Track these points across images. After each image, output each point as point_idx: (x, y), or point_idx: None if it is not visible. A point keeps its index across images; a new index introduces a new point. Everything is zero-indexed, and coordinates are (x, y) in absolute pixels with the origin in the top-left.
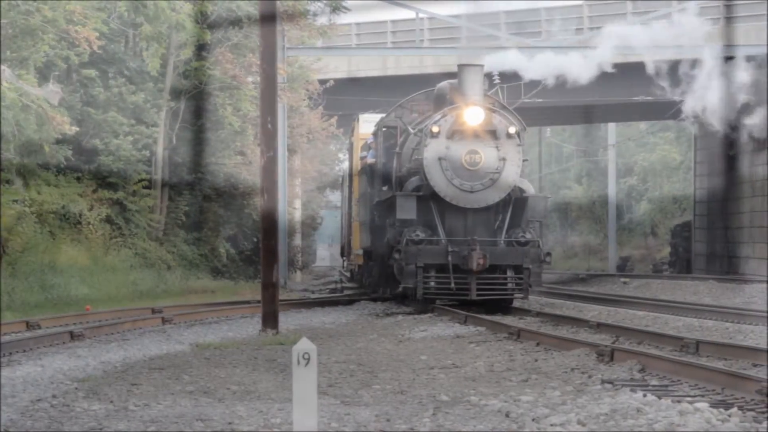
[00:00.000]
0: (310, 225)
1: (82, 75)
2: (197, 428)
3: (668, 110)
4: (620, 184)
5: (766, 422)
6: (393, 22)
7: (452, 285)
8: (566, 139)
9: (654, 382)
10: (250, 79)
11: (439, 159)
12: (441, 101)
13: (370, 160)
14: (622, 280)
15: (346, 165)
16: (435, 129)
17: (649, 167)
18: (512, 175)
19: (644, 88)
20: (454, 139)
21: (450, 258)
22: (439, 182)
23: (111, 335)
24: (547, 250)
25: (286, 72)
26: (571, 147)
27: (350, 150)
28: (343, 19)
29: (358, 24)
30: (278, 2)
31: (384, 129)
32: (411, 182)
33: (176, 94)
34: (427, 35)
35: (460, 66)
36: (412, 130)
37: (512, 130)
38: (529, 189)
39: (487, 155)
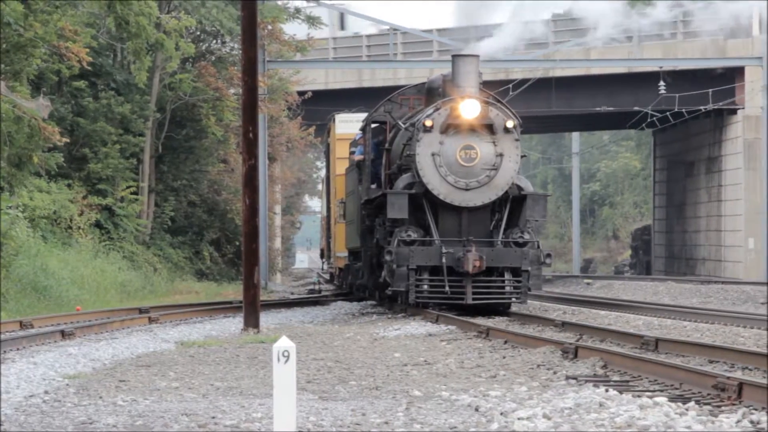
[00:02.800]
0: (290, 229)
1: (72, 87)
2: (182, 422)
3: (630, 120)
4: (584, 190)
5: (721, 415)
6: (368, 36)
7: (446, 288)
8: (533, 147)
9: (616, 377)
10: (232, 90)
11: (433, 155)
12: (433, 95)
13: (358, 156)
14: (586, 281)
15: (323, 172)
16: (428, 123)
17: (611, 174)
18: (510, 171)
19: (607, 99)
20: (448, 133)
21: (444, 260)
22: (432, 179)
23: (100, 334)
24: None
25: (267, 84)
26: (537, 154)
27: (327, 152)
28: (321, 33)
29: (334, 38)
30: (259, 19)
31: (373, 124)
32: (402, 179)
33: (162, 105)
34: (400, 49)
35: (454, 56)
36: (402, 125)
37: (510, 124)
38: (528, 187)
39: (483, 151)
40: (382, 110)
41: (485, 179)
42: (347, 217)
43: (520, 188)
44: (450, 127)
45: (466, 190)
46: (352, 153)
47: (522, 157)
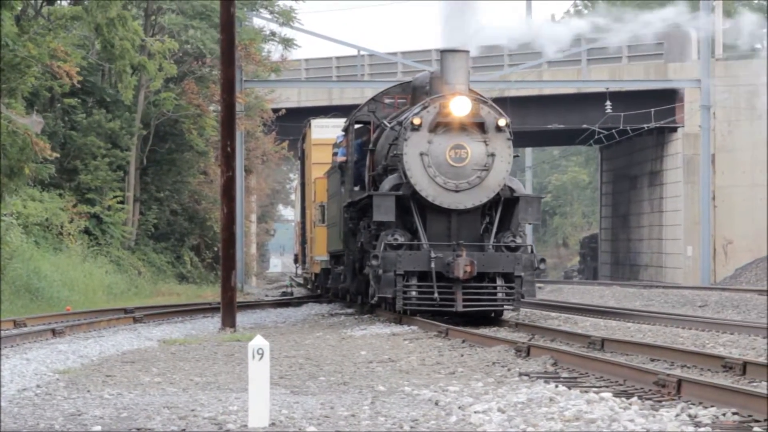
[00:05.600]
0: (264, 236)
1: (64, 103)
2: (164, 414)
3: (578, 137)
4: None
5: (663, 410)
6: (337, 58)
7: (436, 295)
8: None
9: (565, 374)
10: (212, 107)
11: (421, 154)
12: (419, 93)
13: (340, 158)
14: (537, 285)
15: (296, 183)
16: (416, 121)
17: (561, 186)
18: (502, 172)
19: (558, 118)
20: (437, 132)
21: (433, 265)
22: (420, 180)
23: (88, 332)
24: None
25: (244, 102)
26: None
27: (302, 157)
28: (294, 55)
29: (306, 60)
30: (237, 41)
31: (356, 125)
32: (388, 180)
33: (147, 120)
34: (367, 70)
35: (443, 52)
36: (388, 124)
37: (502, 122)
38: (520, 188)
39: (474, 150)
40: (366, 110)
41: (476, 180)
42: (328, 220)
43: (512, 190)
44: (439, 126)
45: (456, 191)
46: (334, 154)
47: (514, 157)
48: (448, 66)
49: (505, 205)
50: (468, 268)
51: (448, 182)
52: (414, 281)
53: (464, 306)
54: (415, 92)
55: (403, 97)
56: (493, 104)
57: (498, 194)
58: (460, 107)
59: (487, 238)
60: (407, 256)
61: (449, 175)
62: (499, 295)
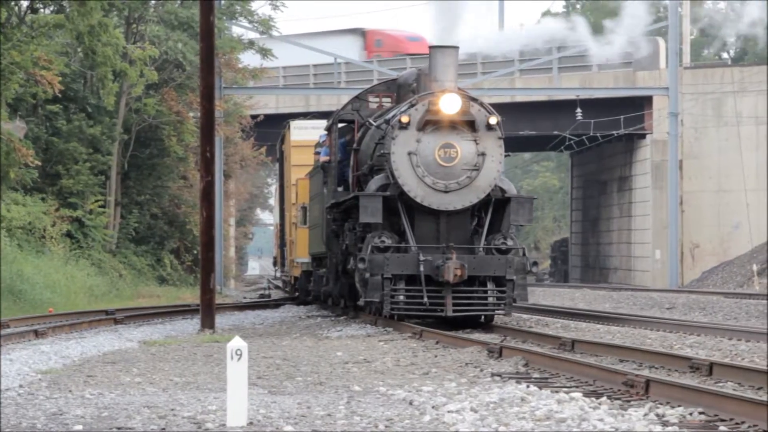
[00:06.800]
0: (243, 239)
1: (47, 110)
2: (144, 414)
3: (549, 143)
4: None
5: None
6: (314, 65)
7: (425, 299)
8: None
9: (536, 375)
10: (191, 114)
11: (409, 154)
12: (405, 92)
13: (323, 158)
14: None
15: (274, 188)
16: (404, 119)
17: (532, 191)
18: (492, 172)
19: (529, 124)
20: (426, 130)
21: (422, 268)
22: (408, 180)
23: (70, 334)
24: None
25: (223, 108)
26: None
27: (281, 159)
28: (272, 62)
29: (284, 67)
30: (216, 49)
31: (340, 124)
32: (375, 180)
33: (128, 126)
34: (343, 77)
35: (432, 47)
36: (374, 123)
37: (493, 120)
38: (511, 189)
39: (464, 149)
40: (350, 108)
41: (466, 180)
42: (310, 222)
43: (503, 190)
44: (428, 124)
45: (445, 192)
46: (317, 154)
47: (506, 156)
48: (436, 62)
49: (496, 206)
50: (458, 272)
51: (437, 182)
52: (402, 285)
53: (454, 311)
54: (400, 90)
55: (388, 95)
56: (484, 102)
57: (488, 195)
58: (449, 105)
59: (477, 241)
60: (395, 259)
61: (438, 176)
62: (490, 300)
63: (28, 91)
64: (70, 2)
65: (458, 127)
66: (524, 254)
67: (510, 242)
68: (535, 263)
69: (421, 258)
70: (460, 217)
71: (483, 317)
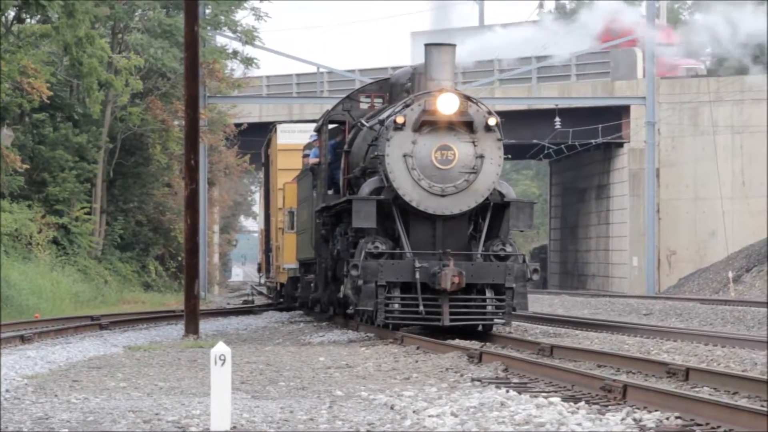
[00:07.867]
0: (227, 246)
1: (33, 118)
2: (129, 418)
3: (529, 152)
4: None
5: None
6: (298, 75)
7: (421, 308)
8: None
9: (515, 380)
10: (176, 122)
11: (404, 156)
12: (398, 91)
13: (312, 160)
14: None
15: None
16: (399, 119)
17: None
18: (491, 175)
19: (509, 133)
20: (422, 132)
21: (418, 275)
22: (403, 183)
23: (56, 339)
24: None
25: (207, 117)
26: None
27: (266, 163)
28: (256, 72)
29: (268, 76)
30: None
31: (330, 125)
32: (368, 183)
33: (113, 134)
34: (326, 87)
35: (428, 46)
36: (366, 124)
37: (492, 121)
38: (510, 193)
39: (461, 151)
40: (341, 109)
41: (463, 184)
42: (299, 227)
43: (501, 194)
44: (424, 125)
45: (442, 196)
46: (305, 156)
47: (505, 159)
48: (433, 60)
49: (494, 210)
50: (456, 279)
51: (434, 186)
52: (397, 293)
53: (451, 320)
54: (393, 90)
55: (380, 95)
56: (482, 102)
57: (487, 199)
58: (447, 105)
59: (475, 247)
60: (389, 265)
61: (435, 179)
62: (489, 308)
63: (14, 102)
64: (58, 13)
65: (456, 128)
66: (524, 261)
67: (509, 248)
68: (536, 270)
69: (417, 265)
70: (458, 221)
71: (481, 326)
